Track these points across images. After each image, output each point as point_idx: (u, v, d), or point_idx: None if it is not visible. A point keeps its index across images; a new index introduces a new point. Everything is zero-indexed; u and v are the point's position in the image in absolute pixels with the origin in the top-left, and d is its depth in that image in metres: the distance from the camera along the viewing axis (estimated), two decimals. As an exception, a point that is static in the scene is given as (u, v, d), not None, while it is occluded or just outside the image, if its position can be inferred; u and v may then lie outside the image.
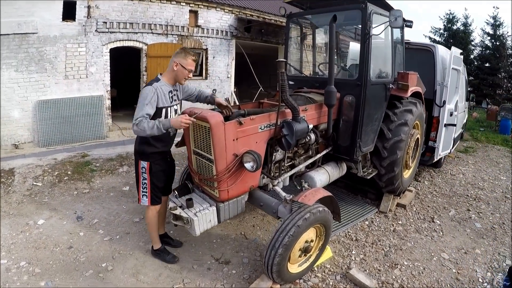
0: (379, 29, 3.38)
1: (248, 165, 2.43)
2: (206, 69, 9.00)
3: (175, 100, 2.69)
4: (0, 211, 3.91)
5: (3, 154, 5.64)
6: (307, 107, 3.10)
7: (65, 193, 4.48)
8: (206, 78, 9.01)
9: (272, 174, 2.97)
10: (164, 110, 2.57)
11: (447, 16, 24.84)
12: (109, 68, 7.11)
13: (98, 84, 7.00)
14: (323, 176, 3.45)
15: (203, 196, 2.77)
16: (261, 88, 10.59)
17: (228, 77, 9.51)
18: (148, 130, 2.33)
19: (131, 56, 8.43)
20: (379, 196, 4.41)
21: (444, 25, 25.11)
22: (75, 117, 6.47)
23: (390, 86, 3.79)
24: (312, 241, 2.74)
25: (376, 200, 4.47)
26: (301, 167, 3.19)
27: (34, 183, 4.70)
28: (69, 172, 5.13)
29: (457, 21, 24.60)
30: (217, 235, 3.51)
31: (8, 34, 5.66)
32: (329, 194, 2.68)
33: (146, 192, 2.69)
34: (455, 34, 24.11)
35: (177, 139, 3.07)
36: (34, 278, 2.77)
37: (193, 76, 8.88)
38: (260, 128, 2.64)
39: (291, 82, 3.97)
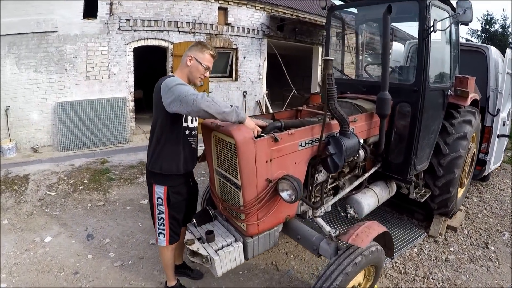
0: (442, 25, 2.76)
1: (285, 195, 1.88)
2: (237, 70, 8.51)
3: None
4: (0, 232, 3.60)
5: (21, 159, 5.45)
6: (357, 117, 2.50)
7: (78, 205, 4.13)
8: (236, 79, 8.54)
9: (312, 200, 2.40)
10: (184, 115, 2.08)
11: (485, 17, 23.28)
12: (132, 68, 6.81)
13: (121, 85, 6.72)
14: (371, 199, 2.84)
15: (227, 226, 2.25)
16: (294, 90, 10.02)
17: (259, 79, 9.00)
18: (222, 106, 1.71)
19: (156, 55, 8.15)
20: (427, 216, 3.82)
21: (481, 26, 23.58)
22: (96, 120, 6.19)
23: (449, 93, 3.16)
24: (359, 285, 2.20)
25: (424, 221, 3.89)
26: (347, 190, 2.59)
27: (48, 192, 4.41)
28: (85, 181, 4.81)
29: (495, 23, 23.06)
30: (244, 265, 2.97)
31: (26, 33, 5.47)
32: (384, 229, 2.09)
33: (163, 229, 2.19)
34: (493, 36, 22.53)
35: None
36: None
37: (222, 77, 8.69)
38: (301, 145, 2.08)
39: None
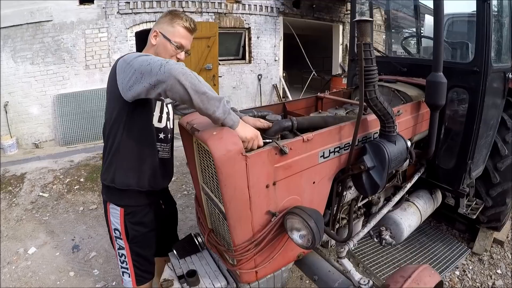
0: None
1: (296, 237, 1.26)
2: (250, 52, 7.71)
3: None
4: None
5: (21, 156, 5.14)
6: (401, 109, 1.79)
7: (69, 208, 3.73)
8: (250, 61, 7.76)
9: (337, 226, 1.77)
10: (158, 104, 1.53)
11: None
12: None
13: None
14: (413, 218, 2.16)
15: (219, 261, 1.67)
16: (314, 72, 9.15)
17: (275, 60, 8.17)
18: (204, 85, 1.11)
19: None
20: (469, 226, 3.10)
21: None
22: (97, 112, 5.74)
23: (509, 76, 2.36)
24: None
25: (466, 232, 3.17)
26: (385, 211, 1.91)
27: (41, 194, 4.04)
28: (81, 179, 4.40)
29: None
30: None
31: (21, 25, 5.06)
32: (438, 279, 1.42)
33: (127, 269, 1.62)
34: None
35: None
36: None
37: (235, 59, 7.84)
38: (322, 155, 1.41)
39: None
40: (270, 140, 1.31)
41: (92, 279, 2.66)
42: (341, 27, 9.28)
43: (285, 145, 1.19)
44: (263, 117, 1.76)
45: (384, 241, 2.02)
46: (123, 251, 1.59)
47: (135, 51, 6.13)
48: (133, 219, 1.54)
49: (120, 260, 1.62)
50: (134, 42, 6.16)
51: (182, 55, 1.51)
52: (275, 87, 8.28)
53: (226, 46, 7.40)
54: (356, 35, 1.30)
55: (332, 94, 2.40)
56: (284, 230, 1.30)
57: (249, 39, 7.64)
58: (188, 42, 1.51)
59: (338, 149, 1.45)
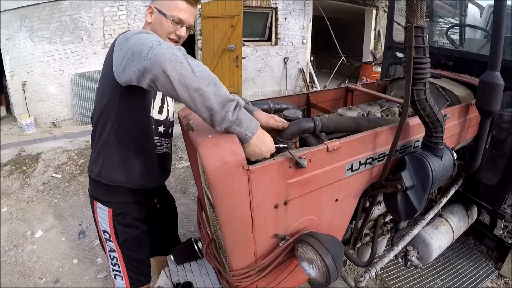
0: None
1: (308, 270, 1.03)
2: (276, 33, 7.30)
3: None
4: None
5: (39, 135, 5.15)
6: (448, 112, 1.48)
7: (80, 191, 3.67)
8: (276, 43, 7.37)
9: (358, 246, 1.52)
10: (158, 97, 1.32)
11: None
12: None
13: None
14: (444, 238, 1.87)
15: (217, 273, 1.47)
16: (343, 58, 8.64)
17: (303, 43, 7.72)
18: (206, 77, 0.85)
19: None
20: (499, 244, 2.66)
21: None
22: (115, 92, 5.66)
23: None
24: None
25: (494, 250, 2.76)
26: (416, 230, 1.62)
27: (54, 175, 4.01)
28: (94, 162, 4.35)
29: None
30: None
31: (37, 4, 4.94)
32: None
33: (120, 271, 1.45)
34: None
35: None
36: None
37: (260, 41, 7.43)
38: (350, 168, 1.14)
39: (400, 55, 2.33)
40: (285, 145, 1.06)
41: (94, 268, 2.58)
42: (374, 11, 8.63)
43: (303, 156, 0.94)
44: (281, 111, 1.50)
45: (409, 262, 1.74)
46: (115, 254, 1.42)
47: None
48: (123, 220, 1.36)
49: (111, 263, 1.46)
50: (153, 21, 5.96)
51: (182, 31, 1.27)
52: (301, 71, 7.88)
53: (251, 26, 7.06)
54: (405, 14, 1.01)
55: (365, 86, 2.08)
56: (294, 256, 1.07)
57: (276, 19, 7.22)
58: (189, 15, 1.26)
59: (370, 160, 1.17)
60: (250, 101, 1.54)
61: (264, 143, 0.94)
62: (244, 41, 6.74)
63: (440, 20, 3.23)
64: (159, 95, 1.33)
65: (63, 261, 2.66)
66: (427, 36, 1.07)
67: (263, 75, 7.46)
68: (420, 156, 1.19)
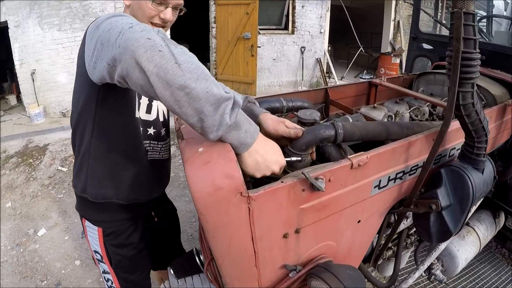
0: None
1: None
2: (293, 21, 7.02)
3: None
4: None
5: (48, 125, 5.10)
6: (486, 114, 1.24)
7: (85, 187, 3.58)
8: (292, 32, 7.09)
9: (381, 260, 1.33)
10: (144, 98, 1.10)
11: None
12: None
13: None
14: (471, 249, 1.66)
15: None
16: (361, 48, 8.33)
17: (321, 32, 7.43)
18: (194, 70, 0.63)
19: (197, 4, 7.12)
20: None
21: None
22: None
23: None
24: None
25: None
26: (443, 247, 1.41)
27: (60, 168, 3.93)
28: (101, 155, 4.26)
29: None
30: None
31: (47, -9, 4.81)
32: None
33: None
34: None
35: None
36: None
37: (277, 29, 7.15)
38: (378, 186, 0.92)
39: (427, 46, 2.08)
40: (298, 158, 0.87)
41: (97, 271, 2.47)
42: (393, 1, 8.24)
43: (320, 176, 0.74)
44: (295, 110, 1.30)
45: (433, 276, 1.54)
46: (109, 276, 1.26)
47: None
48: (115, 241, 1.18)
49: (106, 284, 1.30)
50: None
51: (168, 13, 1.02)
52: (318, 61, 7.58)
53: (267, 14, 6.81)
54: None
55: (390, 81, 1.84)
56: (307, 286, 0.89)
57: (293, 7, 6.93)
58: None
59: (401, 174, 0.96)
60: (261, 96, 1.34)
61: (268, 152, 0.75)
62: (260, 29, 6.51)
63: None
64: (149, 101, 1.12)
65: (66, 262, 2.57)
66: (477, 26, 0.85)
67: (279, 65, 7.23)
68: (460, 170, 0.97)
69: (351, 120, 1.23)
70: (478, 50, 0.82)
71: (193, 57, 0.66)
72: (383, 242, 1.27)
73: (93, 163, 1.05)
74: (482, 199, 1.61)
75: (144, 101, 1.11)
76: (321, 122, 1.20)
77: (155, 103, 1.16)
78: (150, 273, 1.44)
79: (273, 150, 0.77)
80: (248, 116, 0.74)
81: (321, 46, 7.58)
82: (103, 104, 0.97)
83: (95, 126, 1.01)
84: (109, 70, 0.71)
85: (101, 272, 1.27)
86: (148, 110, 1.13)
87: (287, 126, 0.92)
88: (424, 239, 1.25)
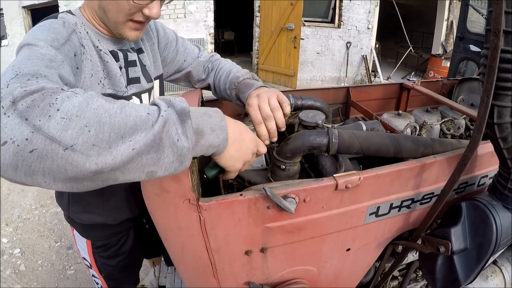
0: None
1: None
2: (340, 15, 6.71)
3: (136, 80, 0.89)
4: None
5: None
6: None
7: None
8: (339, 26, 6.80)
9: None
10: (132, 88, 0.90)
11: None
12: (212, 6, 5.91)
13: (199, 25, 5.92)
14: None
15: None
16: (411, 48, 7.75)
17: (368, 28, 7.06)
18: (97, 122, 0.43)
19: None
20: None
21: None
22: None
23: None
24: None
25: None
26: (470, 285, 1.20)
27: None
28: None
29: None
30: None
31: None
32: None
33: None
34: None
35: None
36: (15, 277, 2.22)
37: (322, 22, 6.89)
38: (374, 213, 0.75)
39: (474, 48, 1.80)
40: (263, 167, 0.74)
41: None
42: (447, 0, 7.50)
43: (291, 195, 0.61)
44: (305, 109, 1.15)
45: None
46: (98, 280, 1.20)
47: (212, 3, 5.78)
48: (106, 253, 1.11)
49: (96, 286, 1.25)
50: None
51: (154, 7, 0.75)
52: (364, 58, 7.21)
53: (314, 6, 6.55)
54: None
55: (426, 85, 1.60)
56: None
57: (341, 0, 6.62)
58: None
59: (409, 202, 0.79)
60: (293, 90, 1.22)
61: (242, 132, 0.60)
62: (305, 21, 6.30)
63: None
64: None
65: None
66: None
67: (323, 59, 6.97)
68: (485, 208, 0.77)
69: (364, 127, 1.06)
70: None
71: (86, 108, 0.43)
72: (386, 270, 1.10)
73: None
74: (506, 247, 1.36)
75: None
76: (330, 126, 1.05)
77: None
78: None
79: (244, 127, 0.62)
80: (202, 108, 0.56)
81: (368, 42, 7.17)
82: None
83: None
84: None
85: (90, 275, 1.22)
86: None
87: (279, 100, 0.80)
88: (427, 282, 1.06)
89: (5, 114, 0.40)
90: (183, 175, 0.55)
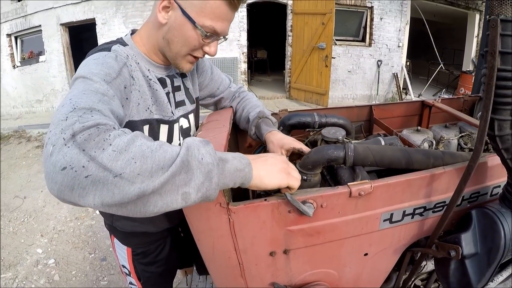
0: None
1: None
2: (371, 34, 6.85)
3: (182, 103, 1.02)
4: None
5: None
6: None
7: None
8: (370, 45, 6.93)
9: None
10: (164, 128, 0.95)
11: None
12: (246, 26, 6.19)
13: (232, 44, 6.21)
14: None
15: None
16: (441, 65, 7.71)
17: (399, 46, 7.12)
18: (141, 153, 0.52)
19: (275, 13, 7.28)
20: None
21: None
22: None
23: None
24: None
25: None
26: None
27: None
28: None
29: None
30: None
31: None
32: None
33: None
34: None
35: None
36: (49, 286, 2.34)
37: (354, 41, 7.05)
38: (388, 219, 0.83)
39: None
40: (303, 177, 0.83)
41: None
42: (477, 16, 7.47)
43: (309, 200, 0.70)
44: (329, 126, 1.25)
45: None
46: (135, 287, 1.35)
47: (245, 23, 6.15)
48: (145, 260, 1.21)
49: None
50: (245, 14, 6.06)
51: (214, 46, 0.85)
52: (395, 76, 7.24)
53: (345, 25, 6.76)
54: (489, 3, 0.67)
55: (448, 102, 1.65)
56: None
57: (371, 19, 6.76)
58: (227, 25, 0.83)
59: (421, 210, 0.86)
60: (295, 110, 1.33)
61: (267, 161, 0.68)
62: (336, 40, 6.45)
63: None
64: (164, 130, 0.94)
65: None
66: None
67: (354, 77, 7.08)
68: (494, 215, 0.82)
69: (383, 142, 1.15)
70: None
71: (133, 144, 0.52)
72: (406, 277, 1.14)
73: None
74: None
75: (163, 139, 0.98)
76: (353, 141, 1.15)
77: (177, 136, 1.02)
78: None
79: (271, 158, 0.70)
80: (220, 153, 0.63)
81: (399, 60, 7.20)
82: None
83: None
84: None
85: (128, 282, 1.32)
86: (169, 138, 1.00)
87: (293, 144, 0.90)
88: (443, 286, 1.09)
89: (65, 145, 0.49)
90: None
